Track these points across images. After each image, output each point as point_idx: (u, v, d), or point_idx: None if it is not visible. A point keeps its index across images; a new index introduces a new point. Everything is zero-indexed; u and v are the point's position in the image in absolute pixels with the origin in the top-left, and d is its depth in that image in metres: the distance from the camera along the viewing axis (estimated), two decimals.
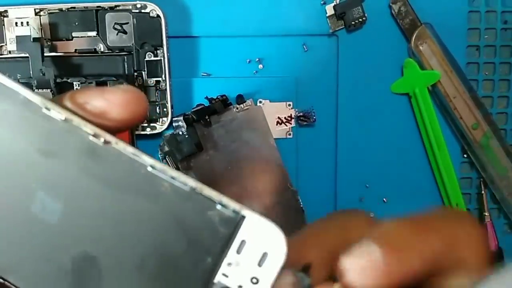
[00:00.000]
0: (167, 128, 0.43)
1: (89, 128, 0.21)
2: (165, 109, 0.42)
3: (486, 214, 0.44)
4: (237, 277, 0.20)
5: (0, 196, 0.21)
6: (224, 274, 0.20)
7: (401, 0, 0.42)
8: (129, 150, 0.20)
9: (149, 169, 0.20)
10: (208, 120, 0.42)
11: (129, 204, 0.21)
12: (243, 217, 0.20)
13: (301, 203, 0.44)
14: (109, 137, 0.20)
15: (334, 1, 0.43)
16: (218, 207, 0.20)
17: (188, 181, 0.20)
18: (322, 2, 0.43)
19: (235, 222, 0.20)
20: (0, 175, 0.21)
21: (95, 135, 0.20)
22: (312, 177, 0.44)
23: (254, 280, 0.20)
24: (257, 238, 0.20)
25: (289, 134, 0.44)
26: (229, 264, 0.20)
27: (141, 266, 0.21)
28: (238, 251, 0.20)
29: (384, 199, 0.45)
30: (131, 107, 0.21)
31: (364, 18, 0.42)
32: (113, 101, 0.21)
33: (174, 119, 0.42)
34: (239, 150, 0.43)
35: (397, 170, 0.45)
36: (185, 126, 0.41)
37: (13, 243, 0.21)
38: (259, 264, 0.20)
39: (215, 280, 0.20)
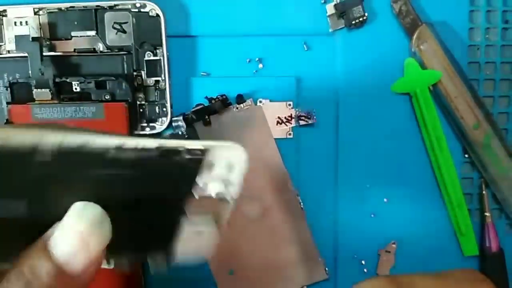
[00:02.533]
0: (166, 128, 0.42)
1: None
2: (164, 109, 0.42)
3: (487, 214, 0.44)
4: (213, 188, 0.24)
5: None
6: (202, 189, 0.24)
7: None
8: (78, 142, 0.23)
9: (113, 151, 0.23)
10: (208, 120, 0.42)
11: (97, 176, 0.23)
12: (207, 150, 0.24)
13: (301, 203, 0.44)
14: (51, 140, 0.22)
15: (335, 0, 0.43)
16: (184, 152, 0.23)
17: (149, 143, 0.23)
18: (322, 1, 0.43)
19: (202, 155, 0.24)
20: None
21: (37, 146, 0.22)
22: (313, 177, 0.44)
23: (227, 183, 0.24)
24: (222, 157, 0.24)
25: (289, 134, 0.44)
26: (205, 183, 0.24)
27: (130, 208, 0.24)
28: (209, 171, 0.24)
29: (385, 199, 0.45)
30: None
31: (364, 18, 0.42)
32: None
33: (173, 119, 0.42)
34: None
35: (398, 170, 0.44)
36: (184, 126, 0.41)
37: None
38: (229, 171, 0.24)
39: (196, 196, 0.24)
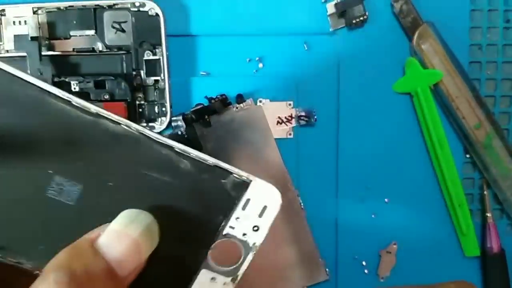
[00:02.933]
0: (166, 128, 0.42)
1: (118, 119, 0.23)
2: (164, 109, 0.42)
3: (488, 214, 0.44)
4: (242, 228, 0.24)
5: (17, 182, 0.23)
6: (231, 227, 0.24)
7: None
8: (156, 136, 0.24)
9: (177, 149, 0.24)
10: (208, 119, 0.42)
11: (151, 179, 0.24)
12: (250, 181, 0.24)
13: (301, 203, 0.43)
14: (135, 126, 0.24)
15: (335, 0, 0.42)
16: (231, 175, 0.24)
17: (207, 158, 0.24)
18: (322, 1, 0.43)
19: (243, 186, 0.24)
20: (17, 163, 0.23)
21: (124, 124, 0.23)
22: (313, 177, 0.44)
23: (255, 228, 0.24)
24: (259, 196, 0.24)
25: (290, 134, 0.43)
26: (237, 218, 0.24)
27: (162, 228, 0.24)
28: (244, 208, 0.24)
29: (386, 199, 0.44)
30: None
31: (365, 17, 0.42)
32: None
33: (173, 118, 0.41)
34: (239, 150, 0.43)
35: (398, 170, 0.44)
36: (184, 126, 0.41)
37: (28, 228, 0.23)
38: (260, 216, 0.24)
39: (224, 232, 0.24)
